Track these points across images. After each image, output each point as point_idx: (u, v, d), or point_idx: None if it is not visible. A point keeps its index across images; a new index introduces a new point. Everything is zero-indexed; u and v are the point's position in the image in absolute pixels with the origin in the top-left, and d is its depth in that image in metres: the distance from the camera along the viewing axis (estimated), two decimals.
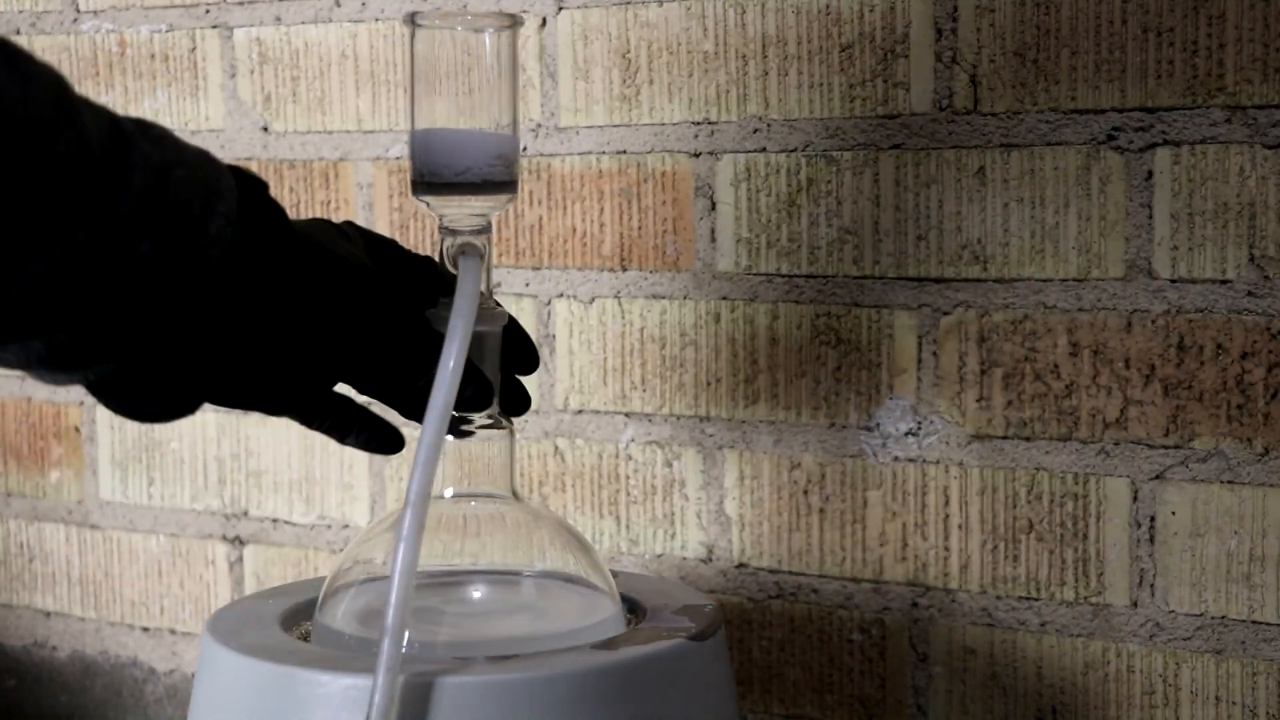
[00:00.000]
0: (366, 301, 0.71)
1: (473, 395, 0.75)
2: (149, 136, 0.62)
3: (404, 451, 1.10)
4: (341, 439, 0.76)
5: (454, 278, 0.75)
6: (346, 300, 0.70)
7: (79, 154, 0.58)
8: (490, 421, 0.77)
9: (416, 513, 0.68)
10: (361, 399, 0.77)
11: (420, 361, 0.73)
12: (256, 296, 0.66)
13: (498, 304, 0.78)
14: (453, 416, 0.76)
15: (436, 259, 0.77)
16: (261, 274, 0.66)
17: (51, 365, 0.63)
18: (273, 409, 0.72)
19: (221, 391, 0.69)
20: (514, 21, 0.75)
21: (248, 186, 0.66)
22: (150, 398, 0.67)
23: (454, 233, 0.75)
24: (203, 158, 0.65)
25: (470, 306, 0.71)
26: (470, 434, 0.77)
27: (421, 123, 0.75)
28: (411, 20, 0.75)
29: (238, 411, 1.17)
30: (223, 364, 0.67)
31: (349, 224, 0.76)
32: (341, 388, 0.75)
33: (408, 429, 0.78)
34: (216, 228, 0.63)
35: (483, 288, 0.76)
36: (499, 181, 0.75)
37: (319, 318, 0.69)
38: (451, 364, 0.70)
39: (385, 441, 0.78)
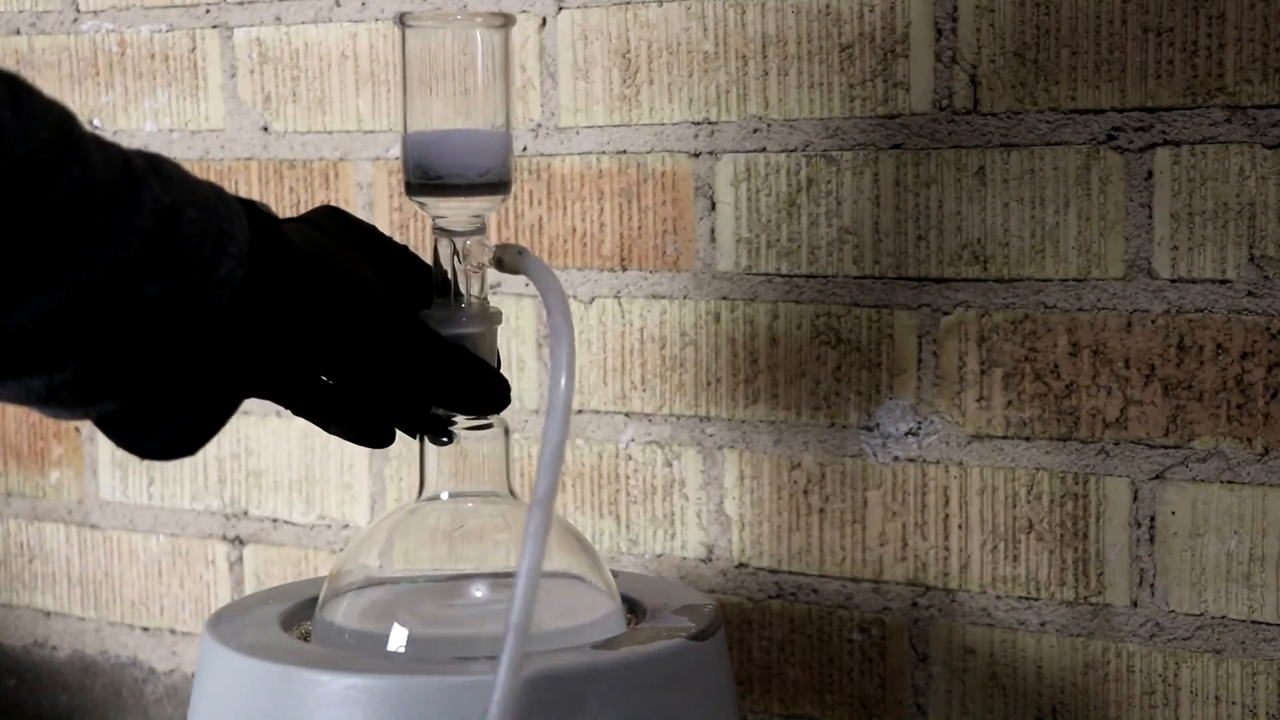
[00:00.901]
0: (373, 326, 0.71)
1: (500, 394, 0.75)
2: (160, 175, 0.62)
3: (404, 452, 1.10)
4: (325, 426, 0.75)
5: (444, 279, 0.75)
6: (354, 329, 0.70)
7: (84, 193, 0.58)
8: (484, 422, 0.77)
9: (544, 510, 0.68)
10: None
11: (422, 379, 0.73)
12: (265, 335, 0.66)
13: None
14: (441, 417, 0.76)
15: (430, 257, 0.77)
16: (271, 314, 0.65)
17: (51, 403, 0.62)
18: (260, 396, 0.72)
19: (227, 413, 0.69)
20: (506, 21, 0.75)
21: (259, 224, 0.66)
22: (152, 435, 0.66)
23: (450, 233, 0.76)
24: (216, 196, 0.64)
25: (565, 303, 0.71)
26: (454, 438, 0.77)
27: (416, 124, 0.75)
28: (401, 21, 0.75)
29: (237, 411, 1.17)
30: (228, 399, 0.67)
31: (328, 212, 0.75)
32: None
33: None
34: (226, 270, 0.63)
35: (476, 290, 0.76)
36: (505, 181, 0.76)
37: (326, 345, 0.69)
38: (565, 364, 0.69)
39: (366, 434, 0.76)
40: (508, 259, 0.74)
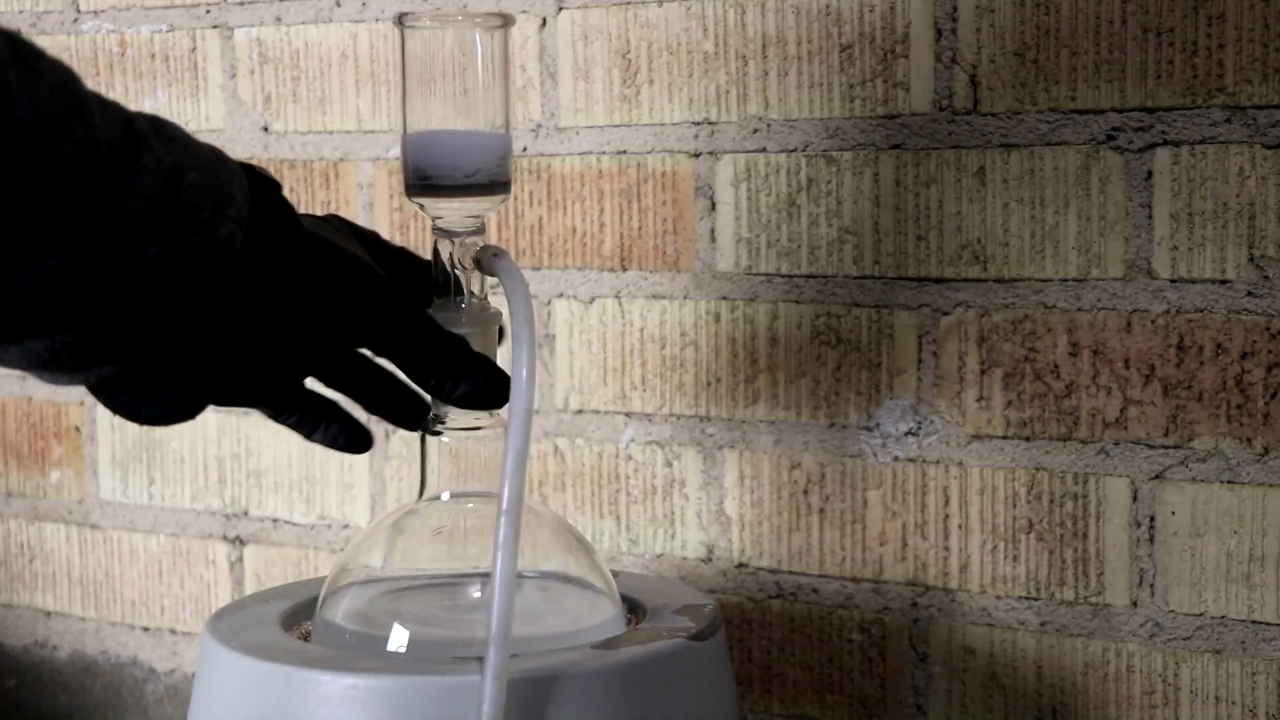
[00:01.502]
0: (375, 303, 0.70)
1: (496, 390, 0.74)
2: (162, 137, 0.61)
3: (404, 452, 1.10)
4: (309, 434, 0.75)
5: (444, 279, 0.75)
6: (356, 303, 0.69)
7: (87, 155, 0.57)
8: (474, 424, 0.77)
9: (511, 519, 0.69)
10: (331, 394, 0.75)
11: (418, 361, 0.72)
12: (264, 300, 0.65)
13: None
14: (419, 402, 0.76)
15: (432, 261, 0.77)
16: (270, 278, 0.65)
17: (52, 367, 0.62)
18: (253, 402, 0.71)
19: (222, 392, 0.68)
20: (505, 21, 0.75)
21: (260, 188, 0.66)
22: (152, 401, 0.66)
23: (450, 234, 0.76)
24: (216, 159, 0.64)
25: (529, 309, 0.71)
26: (439, 433, 0.76)
27: (415, 125, 0.75)
28: (400, 21, 0.75)
29: (238, 411, 1.17)
30: (226, 365, 0.66)
31: (335, 218, 0.76)
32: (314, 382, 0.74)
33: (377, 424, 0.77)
34: (226, 233, 0.62)
35: (476, 290, 0.76)
36: (504, 182, 0.76)
37: (327, 320, 0.68)
38: (525, 370, 0.69)
39: (354, 439, 0.75)
40: (484, 260, 0.75)
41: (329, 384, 0.73)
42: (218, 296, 0.63)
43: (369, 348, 0.71)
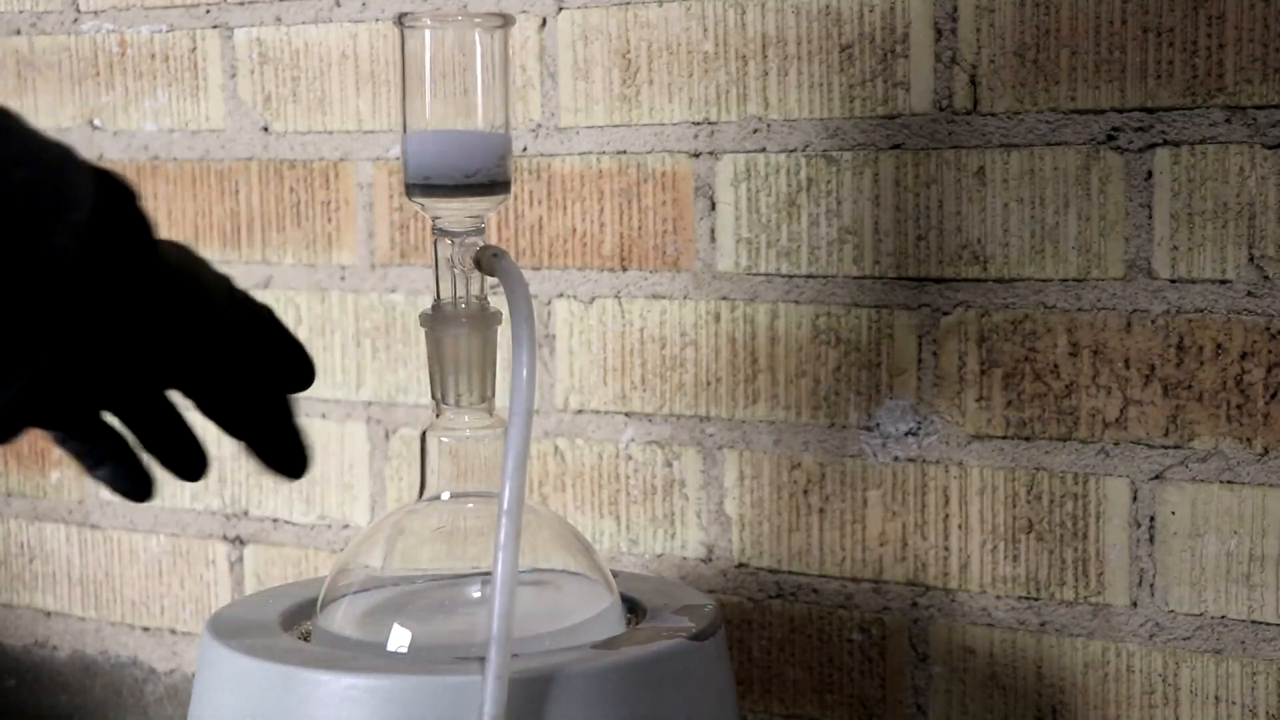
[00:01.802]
0: (221, 326, 0.66)
1: (298, 464, 0.71)
2: None
3: (404, 452, 1.10)
4: (93, 468, 0.69)
5: (443, 280, 0.76)
6: (202, 326, 0.65)
7: None
8: (488, 421, 0.77)
9: (511, 519, 0.69)
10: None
11: (267, 385, 0.69)
12: (103, 317, 0.60)
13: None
14: (200, 454, 0.72)
15: (433, 261, 0.77)
16: (112, 293, 0.60)
17: None
18: (61, 422, 0.65)
19: (45, 413, 0.62)
20: (505, 21, 0.75)
21: (112, 196, 0.60)
22: None
23: (450, 234, 0.76)
24: (60, 159, 0.58)
25: (529, 309, 0.71)
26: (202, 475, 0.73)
27: (415, 125, 0.75)
28: (400, 21, 0.75)
29: None
30: (52, 383, 0.61)
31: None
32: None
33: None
34: (62, 240, 0.57)
35: (476, 291, 0.76)
36: (504, 182, 0.76)
37: (171, 341, 0.64)
38: (525, 370, 0.70)
39: (139, 485, 0.70)
40: (484, 261, 0.75)
41: (121, 415, 0.67)
42: (46, 309, 0.57)
43: (206, 370, 0.66)
